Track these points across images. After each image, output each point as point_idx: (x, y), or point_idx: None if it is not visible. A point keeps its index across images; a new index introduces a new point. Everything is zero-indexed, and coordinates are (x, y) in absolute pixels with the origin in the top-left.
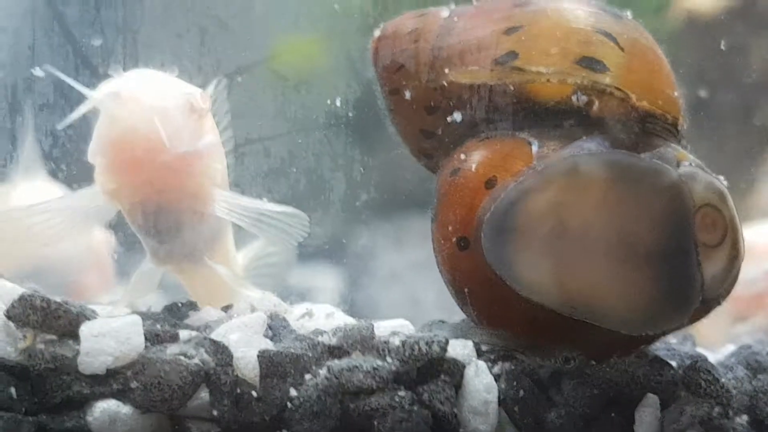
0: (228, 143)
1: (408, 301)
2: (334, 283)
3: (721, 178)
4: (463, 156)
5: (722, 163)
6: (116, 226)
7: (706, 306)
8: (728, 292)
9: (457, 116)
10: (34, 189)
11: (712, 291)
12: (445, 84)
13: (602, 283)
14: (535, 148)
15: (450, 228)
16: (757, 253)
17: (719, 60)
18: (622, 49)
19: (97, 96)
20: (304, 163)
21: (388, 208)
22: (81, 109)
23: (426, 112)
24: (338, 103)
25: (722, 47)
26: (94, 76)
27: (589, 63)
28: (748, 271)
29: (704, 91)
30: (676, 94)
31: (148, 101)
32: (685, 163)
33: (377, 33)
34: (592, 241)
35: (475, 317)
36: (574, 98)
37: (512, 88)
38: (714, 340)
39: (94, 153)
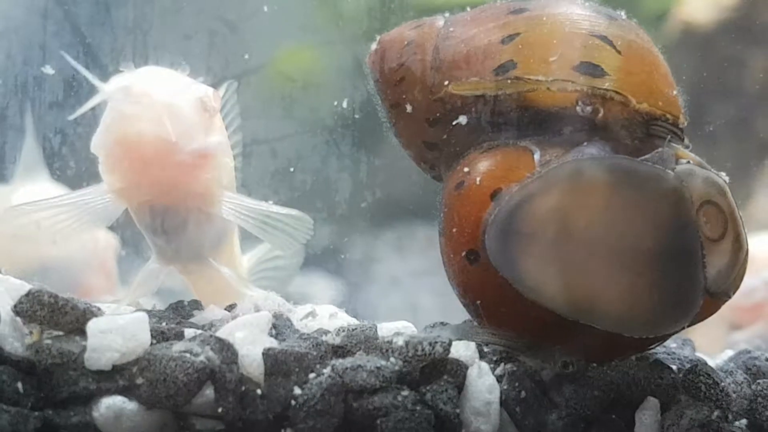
0: (237, 146)
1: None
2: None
3: (723, 174)
4: (466, 169)
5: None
6: (116, 226)
7: (715, 301)
8: (736, 286)
9: (460, 127)
10: (36, 191)
11: (718, 285)
12: (445, 96)
13: (605, 286)
14: (537, 156)
15: (458, 242)
16: (756, 263)
17: (715, 71)
18: (619, 52)
19: (107, 89)
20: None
21: (392, 211)
22: (91, 102)
23: (427, 124)
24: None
25: (719, 59)
26: (104, 75)
27: (588, 68)
28: (747, 281)
29: (701, 102)
30: (674, 92)
31: (158, 98)
32: (683, 161)
33: (374, 46)
34: (595, 245)
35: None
36: (578, 107)
37: (512, 97)
38: (710, 347)
39: (98, 146)
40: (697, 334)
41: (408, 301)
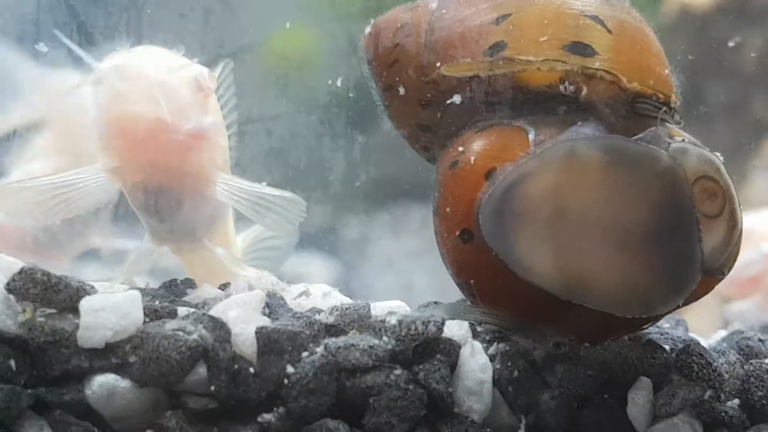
0: (232, 126)
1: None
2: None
3: (718, 154)
4: (461, 148)
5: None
6: None
7: (710, 277)
8: (731, 263)
9: (453, 108)
10: None
11: (713, 261)
12: (438, 78)
13: (599, 266)
14: (531, 136)
15: (452, 221)
16: (756, 237)
17: (712, 53)
18: (610, 32)
19: (101, 68)
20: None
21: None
22: (87, 80)
23: (421, 106)
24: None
25: (715, 41)
26: (98, 54)
27: (578, 48)
28: (746, 254)
29: (697, 84)
30: (667, 71)
31: (153, 77)
32: (678, 139)
33: (368, 29)
34: (589, 225)
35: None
36: (562, 87)
37: (504, 78)
38: (704, 323)
39: (92, 126)
40: (692, 312)
41: (403, 281)
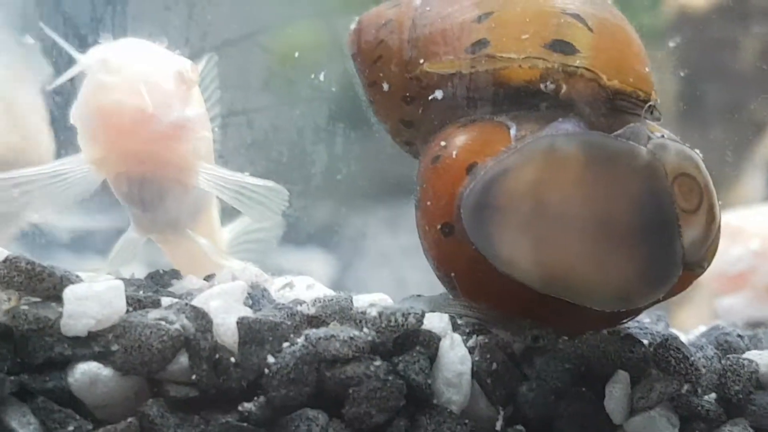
0: (216, 119)
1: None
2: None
3: (697, 151)
4: (443, 143)
5: (710, 155)
6: None
7: (690, 271)
8: (710, 257)
9: (435, 104)
10: None
11: (692, 255)
12: (421, 74)
13: (580, 261)
14: (513, 132)
15: (433, 215)
16: (745, 235)
17: (710, 54)
18: (591, 30)
19: (85, 60)
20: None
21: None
22: (69, 73)
23: (404, 102)
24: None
25: (713, 41)
26: (83, 45)
27: (559, 46)
28: (735, 251)
29: (695, 84)
30: (647, 69)
31: (136, 69)
32: (657, 134)
33: (354, 25)
34: (569, 220)
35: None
36: (542, 84)
37: (486, 75)
38: (696, 318)
39: (76, 117)
40: (682, 308)
41: (397, 276)
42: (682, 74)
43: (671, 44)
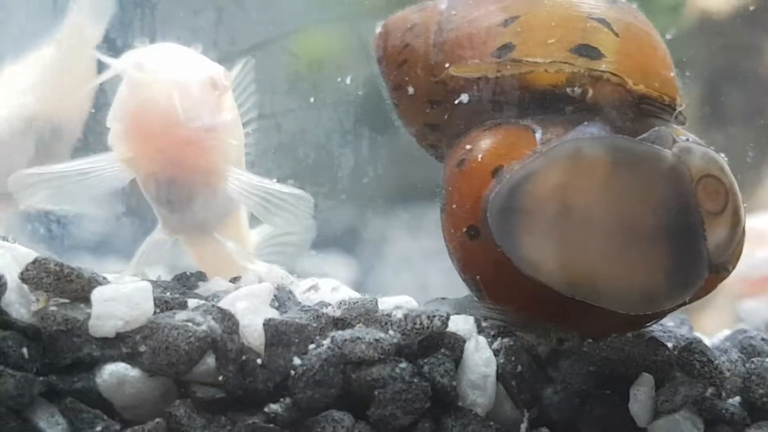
0: (251, 123)
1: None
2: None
3: (722, 155)
4: (468, 146)
5: (734, 159)
6: None
7: (715, 274)
8: (735, 260)
9: (461, 108)
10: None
11: (717, 258)
12: (447, 78)
13: (605, 264)
14: (539, 135)
15: (459, 218)
16: None
17: (733, 58)
18: (616, 35)
19: (120, 65)
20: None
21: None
22: (104, 76)
23: (429, 105)
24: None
25: (736, 45)
26: (113, 50)
27: (585, 50)
28: (759, 254)
29: (716, 88)
30: (672, 74)
31: (170, 74)
32: (682, 138)
33: (379, 29)
34: (594, 223)
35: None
36: (568, 89)
37: (512, 79)
38: (718, 321)
39: (112, 119)
40: (705, 311)
41: (419, 279)
42: (705, 78)
43: (694, 48)
